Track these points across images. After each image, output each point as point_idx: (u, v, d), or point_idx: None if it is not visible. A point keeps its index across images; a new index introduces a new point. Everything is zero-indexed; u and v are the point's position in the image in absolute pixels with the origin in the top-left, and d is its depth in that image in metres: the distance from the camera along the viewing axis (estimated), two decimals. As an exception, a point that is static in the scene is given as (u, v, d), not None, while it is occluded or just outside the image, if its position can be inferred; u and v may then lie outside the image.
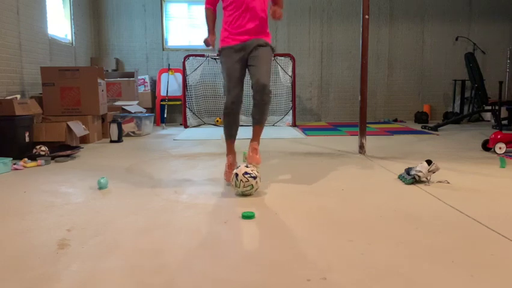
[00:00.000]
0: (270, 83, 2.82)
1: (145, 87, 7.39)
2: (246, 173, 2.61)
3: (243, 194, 2.64)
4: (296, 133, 5.96)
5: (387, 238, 1.90)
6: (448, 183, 2.92)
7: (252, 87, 2.83)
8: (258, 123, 2.94)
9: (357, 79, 7.71)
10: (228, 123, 2.96)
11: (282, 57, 7.05)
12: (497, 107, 6.07)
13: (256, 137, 2.97)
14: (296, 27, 7.67)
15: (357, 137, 4.24)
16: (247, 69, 2.97)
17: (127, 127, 5.65)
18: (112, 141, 5.14)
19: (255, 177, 2.62)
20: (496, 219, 2.15)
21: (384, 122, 7.61)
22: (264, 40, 2.93)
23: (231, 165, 2.98)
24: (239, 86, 2.89)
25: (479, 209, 2.33)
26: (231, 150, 3.07)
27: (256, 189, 2.66)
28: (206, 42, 3.07)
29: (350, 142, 4.96)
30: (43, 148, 3.93)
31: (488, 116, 7.52)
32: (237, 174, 2.62)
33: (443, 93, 7.97)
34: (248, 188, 2.61)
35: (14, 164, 3.58)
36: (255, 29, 2.89)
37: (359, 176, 3.22)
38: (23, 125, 4.10)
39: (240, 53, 2.90)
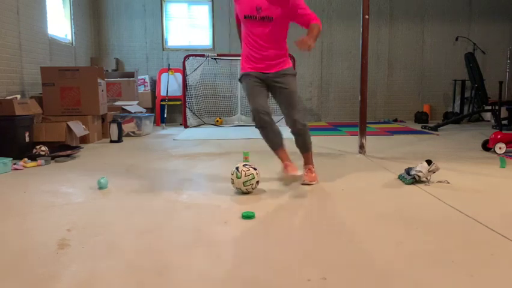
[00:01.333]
0: (302, 113, 2.90)
1: (145, 87, 7.39)
2: (245, 164, 2.67)
3: (245, 190, 2.64)
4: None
5: (387, 238, 1.90)
6: (448, 183, 2.92)
7: (285, 121, 2.89)
8: (306, 151, 3.01)
9: (357, 79, 7.70)
10: (266, 135, 2.88)
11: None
12: (497, 107, 6.07)
13: (308, 160, 3.03)
14: (296, 27, 7.65)
15: (357, 137, 4.24)
16: (271, 93, 2.96)
17: (127, 127, 5.65)
18: (112, 141, 5.14)
19: (255, 168, 2.65)
20: (496, 219, 2.15)
21: (384, 122, 7.61)
22: (288, 69, 2.88)
23: (287, 165, 2.87)
24: (264, 98, 2.81)
25: (479, 209, 2.33)
26: (282, 157, 2.92)
27: (257, 182, 2.66)
28: None
29: (350, 142, 4.96)
30: (43, 148, 3.93)
31: (488, 116, 7.52)
32: (237, 167, 2.64)
33: (443, 93, 7.97)
34: (249, 177, 2.60)
35: (14, 164, 3.58)
36: (273, 57, 2.83)
37: (359, 176, 3.22)
38: (23, 125, 4.09)
39: (261, 79, 2.85)
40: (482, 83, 6.30)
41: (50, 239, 1.92)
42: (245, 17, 2.76)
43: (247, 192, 2.66)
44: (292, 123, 2.85)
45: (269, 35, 2.78)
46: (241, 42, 2.94)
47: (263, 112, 2.75)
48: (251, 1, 2.74)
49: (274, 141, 2.89)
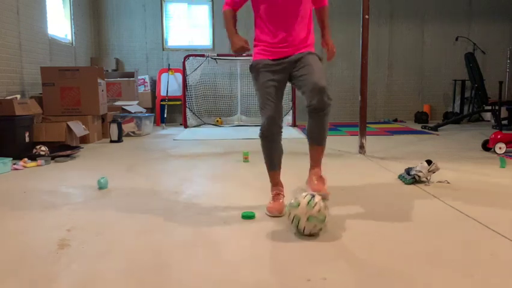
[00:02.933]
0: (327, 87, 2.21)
1: (145, 87, 7.39)
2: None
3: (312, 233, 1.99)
4: (296, 133, 5.96)
5: (387, 238, 1.90)
6: (448, 183, 2.92)
7: (305, 95, 2.21)
8: (318, 143, 2.29)
9: (357, 79, 7.70)
10: (266, 149, 2.36)
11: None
12: (497, 107, 6.07)
13: (317, 162, 2.33)
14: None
15: (357, 137, 4.24)
16: (292, 85, 2.44)
17: (127, 127, 5.65)
18: (112, 141, 5.14)
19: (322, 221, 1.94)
20: (496, 219, 2.15)
21: (384, 122, 7.61)
22: (310, 51, 2.36)
23: (276, 196, 2.39)
24: (280, 103, 2.29)
25: (479, 209, 2.33)
26: (276, 182, 2.43)
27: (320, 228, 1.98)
28: (238, 47, 2.29)
29: (350, 142, 4.96)
30: (43, 148, 3.93)
31: (488, 116, 7.52)
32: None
33: (443, 93, 7.97)
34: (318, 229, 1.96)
35: (14, 164, 3.58)
36: (296, 39, 2.32)
37: (359, 176, 3.22)
38: (23, 125, 4.09)
39: (280, 70, 2.32)
40: (482, 83, 6.30)
41: (50, 239, 1.92)
42: None
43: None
44: (316, 90, 2.14)
45: (298, 12, 2.30)
46: (230, 27, 2.38)
47: (277, 123, 2.27)
48: None
49: (273, 160, 2.39)
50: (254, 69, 2.36)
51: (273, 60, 2.32)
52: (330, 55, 2.47)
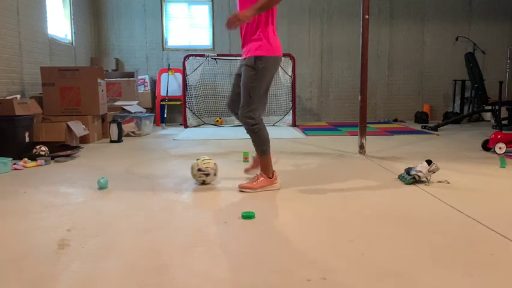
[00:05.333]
0: (247, 109, 2.63)
1: (145, 87, 7.39)
2: (199, 169, 2.87)
3: (204, 168, 2.89)
4: (296, 133, 5.96)
5: (387, 238, 1.90)
6: (448, 183, 2.92)
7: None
8: (257, 153, 2.80)
9: (357, 79, 7.71)
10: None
11: (282, 57, 7.04)
12: (497, 107, 6.07)
13: (258, 165, 2.95)
14: (296, 27, 7.67)
15: (357, 137, 4.24)
16: None
17: (127, 127, 5.65)
18: (112, 141, 5.14)
19: (207, 174, 2.88)
20: (496, 219, 2.15)
21: (384, 122, 7.61)
22: (248, 58, 2.64)
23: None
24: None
25: (479, 209, 2.33)
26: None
27: (209, 182, 2.94)
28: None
29: (350, 142, 4.96)
30: (43, 148, 3.93)
31: (488, 116, 7.52)
32: (192, 167, 2.90)
33: (443, 93, 7.97)
34: (200, 180, 2.91)
35: (14, 164, 3.58)
36: (246, 41, 2.70)
37: (359, 176, 3.22)
38: (23, 125, 4.09)
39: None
40: (482, 83, 6.30)
41: (50, 239, 1.92)
42: None
43: (207, 173, 2.87)
44: (240, 114, 2.68)
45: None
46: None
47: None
48: None
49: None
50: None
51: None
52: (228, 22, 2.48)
